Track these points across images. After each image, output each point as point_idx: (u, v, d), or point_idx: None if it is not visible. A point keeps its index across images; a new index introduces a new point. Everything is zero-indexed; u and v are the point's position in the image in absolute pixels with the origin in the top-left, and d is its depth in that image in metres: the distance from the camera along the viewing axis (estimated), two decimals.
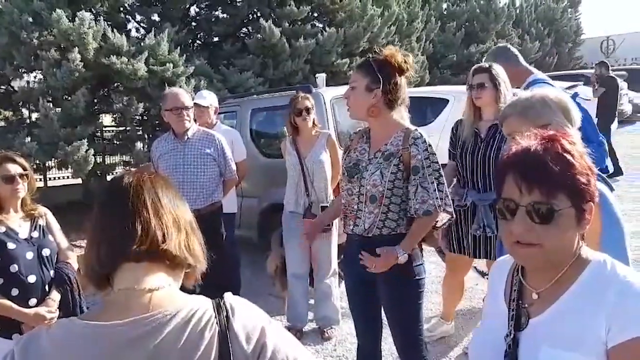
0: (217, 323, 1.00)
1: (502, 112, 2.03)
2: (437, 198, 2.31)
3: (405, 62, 2.34)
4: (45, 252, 2.52)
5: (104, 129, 9.17)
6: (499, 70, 3.15)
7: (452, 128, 3.41)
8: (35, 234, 2.53)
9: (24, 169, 2.50)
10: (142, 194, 1.09)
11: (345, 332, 3.92)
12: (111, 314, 1.00)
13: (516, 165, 1.14)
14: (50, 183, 9.80)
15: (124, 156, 8.99)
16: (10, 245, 2.40)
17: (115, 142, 8.89)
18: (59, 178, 10.37)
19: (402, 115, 2.46)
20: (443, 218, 2.43)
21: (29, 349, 0.98)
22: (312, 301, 4.15)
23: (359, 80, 2.37)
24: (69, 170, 7.77)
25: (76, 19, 6.87)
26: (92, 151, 7.11)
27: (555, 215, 1.10)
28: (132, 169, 1.25)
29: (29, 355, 0.98)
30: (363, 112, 2.39)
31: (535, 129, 1.59)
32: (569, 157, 1.12)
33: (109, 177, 8.94)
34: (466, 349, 3.53)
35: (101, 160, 8.92)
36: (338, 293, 4.00)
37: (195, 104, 4.37)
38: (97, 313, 1.02)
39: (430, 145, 2.35)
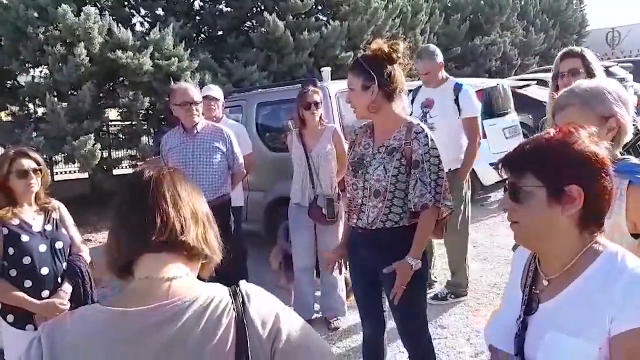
0: (233, 309, 1.04)
1: (557, 101, 1.84)
2: (434, 193, 2.34)
3: (393, 50, 2.35)
4: (58, 244, 2.56)
5: (109, 123, 9.21)
6: (591, 56, 2.76)
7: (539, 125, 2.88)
8: (49, 227, 2.56)
9: (38, 163, 2.53)
10: (162, 188, 1.13)
11: (351, 323, 3.96)
12: (132, 301, 1.03)
13: (508, 154, 1.27)
14: (56, 177, 9.88)
15: (129, 150, 9.04)
16: (24, 238, 2.44)
17: (121, 136, 8.95)
18: (65, 172, 10.45)
19: (402, 105, 2.49)
20: (444, 212, 2.44)
21: (55, 335, 1.02)
22: (318, 292, 4.20)
23: (354, 81, 2.40)
24: (76, 164, 7.82)
25: (82, 13, 6.91)
26: (98, 145, 7.16)
27: (521, 193, 1.20)
28: (153, 165, 1.28)
29: (54, 341, 1.01)
30: (365, 110, 2.42)
31: (596, 121, 1.60)
32: (549, 141, 1.19)
33: (115, 172, 9.00)
34: (469, 337, 3.57)
35: (107, 154, 8.97)
36: (343, 284, 4.04)
37: (206, 96, 4.41)
38: (119, 300, 1.06)
39: (432, 140, 2.38)
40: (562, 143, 1.17)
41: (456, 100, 3.98)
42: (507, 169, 1.24)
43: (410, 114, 3.99)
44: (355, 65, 2.43)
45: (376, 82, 2.34)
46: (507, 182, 1.23)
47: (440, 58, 4.12)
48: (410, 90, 4.20)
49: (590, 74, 2.67)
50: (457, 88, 4.01)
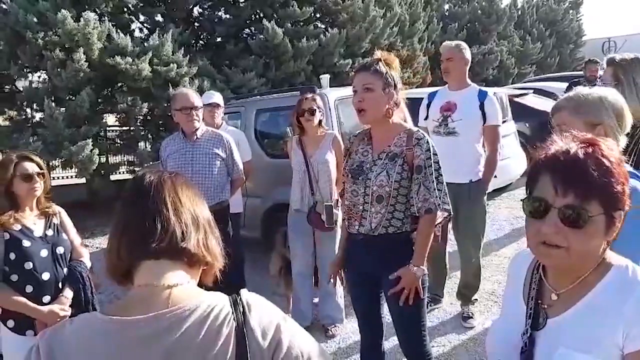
0: (234, 319, 1.02)
1: (555, 103, 1.98)
2: (437, 197, 2.37)
3: (392, 61, 2.46)
4: (59, 250, 2.56)
5: (107, 128, 9.20)
6: (629, 66, 2.69)
7: None
8: (50, 232, 2.56)
9: (41, 167, 2.54)
10: (162, 193, 1.12)
11: (349, 331, 3.96)
12: (132, 309, 1.02)
13: (554, 166, 1.13)
14: (54, 182, 9.83)
15: (127, 156, 9.03)
16: (26, 243, 2.44)
17: (119, 141, 8.95)
18: (63, 177, 10.43)
19: (402, 115, 2.52)
20: (440, 216, 2.48)
21: (53, 343, 1.01)
22: (316, 300, 4.20)
23: (375, 82, 2.38)
24: (73, 169, 7.81)
25: (81, 19, 6.92)
26: (96, 151, 7.16)
27: (587, 220, 1.09)
28: (155, 169, 1.27)
29: (53, 349, 1.00)
30: (381, 113, 2.41)
31: (584, 126, 1.67)
32: (607, 163, 1.10)
33: (112, 177, 8.99)
34: (467, 346, 3.58)
35: (105, 160, 8.96)
36: (342, 292, 4.04)
37: (209, 103, 4.45)
38: (118, 308, 1.05)
39: (433, 146, 2.42)
40: (621, 167, 1.13)
41: (482, 107, 3.80)
42: (570, 190, 1.10)
43: (426, 118, 3.98)
44: (375, 65, 2.41)
45: (394, 88, 2.40)
46: (563, 205, 1.10)
47: (467, 55, 3.90)
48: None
49: (619, 84, 2.64)
50: (482, 95, 3.84)
